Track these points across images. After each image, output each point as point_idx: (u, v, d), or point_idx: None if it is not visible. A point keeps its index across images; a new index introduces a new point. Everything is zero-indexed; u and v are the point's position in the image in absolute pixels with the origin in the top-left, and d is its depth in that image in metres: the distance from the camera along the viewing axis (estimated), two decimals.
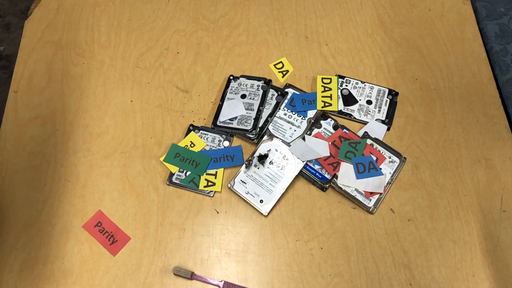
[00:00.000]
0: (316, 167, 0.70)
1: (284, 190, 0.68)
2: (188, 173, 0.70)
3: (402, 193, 0.70)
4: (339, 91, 0.77)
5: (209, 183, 0.70)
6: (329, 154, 0.71)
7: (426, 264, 0.65)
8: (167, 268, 0.64)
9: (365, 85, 0.78)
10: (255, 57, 0.81)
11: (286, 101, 0.76)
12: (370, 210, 0.68)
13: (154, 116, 0.75)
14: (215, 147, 0.72)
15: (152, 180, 0.70)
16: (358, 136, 0.73)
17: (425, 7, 0.86)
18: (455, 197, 0.70)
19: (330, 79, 0.78)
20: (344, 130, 0.73)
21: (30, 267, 0.64)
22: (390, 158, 0.71)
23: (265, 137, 0.72)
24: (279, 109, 0.75)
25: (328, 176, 0.70)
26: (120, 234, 0.66)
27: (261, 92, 0.76)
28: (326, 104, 0.75)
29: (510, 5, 0.87)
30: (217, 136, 0.73)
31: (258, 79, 0.77)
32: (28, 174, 0.70)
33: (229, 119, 0.74)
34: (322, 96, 0.76)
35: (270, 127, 0.74)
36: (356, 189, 0.69)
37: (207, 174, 0.70)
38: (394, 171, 0.70)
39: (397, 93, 0.77)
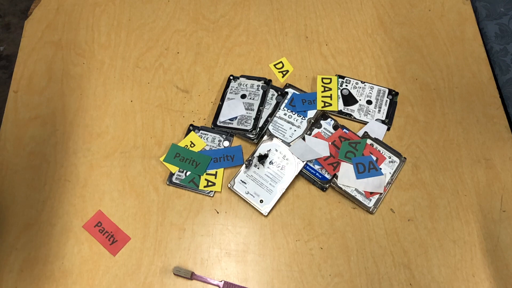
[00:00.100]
0: (316, 167, 0.70)
1: (284, 190, 0.68)
2: (188, 173, 0.70)
3: (402, 193, 0.70)
4: (339, 91, 0.77)
5: (209, 183, 0.70)
6: (329, 154, 0.71)
7: (426, 264, 0.65)
8: (167, 268, 0.64)
9: (365, 85, 0.78)
10: (255, 57, 0.81)
11: (286, 101, 0.76)
12: (370, 210, 0.68)
13: (154, 116, 0.75)
14: (215, 147, 0.72)
15: (152, 180, 0.70)
16: (358, 136, 0.73)
17: (425, 7, 0.86)
18: (455, 197, 0.70)
19: (330, 79, 0.78)
20: (344, 130, 0.73)
21: (30, 267, 0.64)
22: (390, 158, 0.71)
23: (265, 137, 0.72)
24: (279, 109, 0.75)
25: (328, 176, 0.70)
26: (120, 234, 0.66)
27: (261, 92, 0.76)
28: (326, 104, 0.75)
29: (510, 5, 0.87)
30: (217, 136, 0.73)
31: (258, 79, 0.77)
32: (28, 174, 0.70)
33: (229, 119, 0.74)
34: (322, 96, 0.76)
35: (270, 127, 0.74)
36: (356, 189, 0.69)
37: (207, 174, 0.70)
38: (394, 171, 0.70)
39: (397, 93, 0.77)
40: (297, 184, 0.70)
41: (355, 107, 0.76)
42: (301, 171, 0.70)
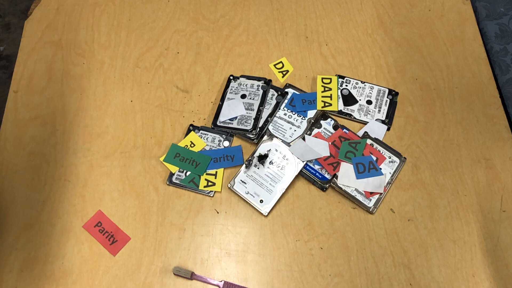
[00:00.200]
0: (316, 167, 0.70)
1: (284, 190, 0.68)
2: (188, 173, 0.70)
3: (402, 193, 0.70)
4: (339, 91, 0.77)
5: (209, 183, 0.70)
6: (329, 154, 0.71)
7: (426, 264, 0.65)
8: (167, 268, 0.64)
9: (365, 85, 0.78)
10: (255, 57, 0.81)
11: (286, 101, 0.76)
12: (370, 210, 0.68)
13: (154, 116, 0.75)
14: (215, 147, 0.72)
15: (152, 180, 0.70)
16: (358, 136, 0.73)
17: (425, 7, 0.86)
18: (455, 197, 0.70)
19: (330, 79, 0.78)
20: (344, 130, 0.73)
21: (30, 267, 0.64)
22: (390, 158, 0.71)
23: (265, 137, 0.72)
24: (279, 109, 0.75)
25: (328, 176, 0.70)
26: (120, 234, 0.66)
27: (261, 92, 0.76)
28: (326, 104, 0.75)
29: (510, 5, 0.87)
30: (217, 136, 0.73)
31: (258, 79, 0.77)
32: (28, 174, 0.70)
33: (229, 119, 0.74)
34: (322, 96, 0.76)
35: (270, 127, 0.74)
36: (356, 189, 0.69)
37: (207, 174, 0.70)
38: (394, 171, 0.70)
39: (397, 93, 0.77)
40: (297, 184, 0.70)
41: (355, 107, 0.76)
42: (301, 171, 0.70)
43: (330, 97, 0.76)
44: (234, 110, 0.74)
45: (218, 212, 0.68)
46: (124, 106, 0.76)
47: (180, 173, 0.70)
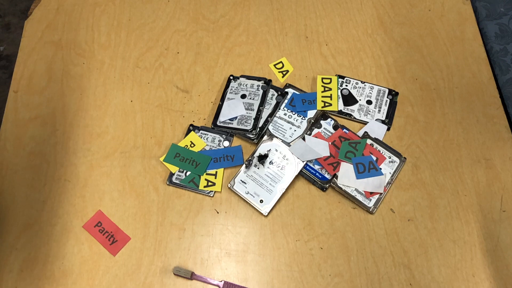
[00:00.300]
0: (316, 167, 0.70)
1: (284, 190, 0.68)
2: (188, 173, 0.70)
3: (402, 193, 0.70)
4: (339, 91, 0.77)
5: (209, 183, 0.70)
6: (329, 154, 0.71)
7: (426, 264, 0.65)
8: (167, 268, 0.64)
9: (365, 85, 0.78)
10: (255, 57, 0.81)
11: (286, 101, 0.76)
12: (370, 210, 0.68)
13: (154, 116, 0.75)
14: (215, 147, 0.72)
15: (152, 180, 0.70)
16: (358, 136, 0.73)
17: (425, 7, 0.86)
18: (455, 197, 0.70)
19: (330, 79, 0.78)
20: (344, 130, 0.73)
21: (30, 267, 0.64)
22: (390, 158, 0.71)
23: (265, 137, 0.72)
24: (279, 109, 0.75)
25: (328, 176, 0.70)
26: (120, 234, 0.66)
27: (261, 92, 0.76)
28: (326, 104, 0.75)
29: (510, 5, 0.87)
30: (217, 136, 0.73)
31: (258, 79, 0.77)
32: (28, 174, 0.70)
33: (229, 119, 0.74)
34: (322, 96, 0.76)
35: (270, 127, 0.74)
36: (356, 189, 0.69)
37: (207, 174, 0.70)
38: (394, 171, 0.70)
39: (397, 93, 0.77)
40: (297, 184, 0.70)
41: (355, 107, 0.76)
42: (301, 171, 0.70)
43: (330, 97, 0.76)
44: (234, 110, 0.74)
45: (218, 212, 0.68)
46: (124, 106, 0.76)
47: (180, 173, 0.70)
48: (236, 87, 0.77)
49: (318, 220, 0.68)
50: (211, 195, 0.69)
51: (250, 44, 0.82)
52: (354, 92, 0.77)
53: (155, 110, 0.76)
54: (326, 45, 0.82)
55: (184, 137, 0.73)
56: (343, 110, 0.75)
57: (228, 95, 0.76)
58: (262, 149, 0.71)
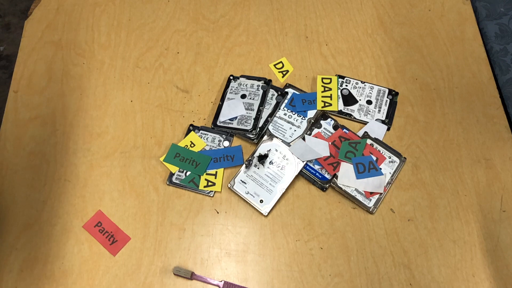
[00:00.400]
0: (316, 167, 0.70)
1: (284, 190, 0.68)
2: (188, 173, 0.70)
3: (402, 193, 0.70)
4: (339, 91, 0.77)
5: (209, 183, 0.70)
6: (329, 154, 0.71)
7: (426, 264, 0.65)
8: (167, 268, 0.64)
9: (365, 85, 0.78)
10: (255, 57, 0.81)
11: (286, 101, 0.76)
12: (370, 210, 0.68)
13: (154, 116, 0.75)
14: (215, 147, 0.72)
15: (152, 180, 0.70)
16: (358, 136, 0.73)
17: (425, 7, 0.86)
18: (455, 197, 0.70)
19: (330, 79, 0.78)
20: (344, 130, 0.73)
21: (30, 267, 0.64)
22: (390, 158, 0.71)
23: (265, 137, 0.72)
24: (279, 109, 0.75)
25: (328, 176, 0.70)
26: (120, 234, 0.66)
27: (261, 92, 0.76)
28: (326, 104, 0.75)
29: (510, 5, 0.87)
30: (217, 136, 0.73)
31: (258, 79, 0.77)
32: (28, 174, 0.70)
33: (229, 119, 0.74)
34: (322, 96, 0.76)
35: (270, 127, 0.74)
36: (356, 189, 0.69)
37: (207, 174, 0.70)
38: (394, 171, 0.70)
39: (397, 93, 0.77)
40: (297, 184, 0.70)
41: (355, 107, 0.76)
42: (301, 171, 0.70)
43: (330, 97, 0.76)
44: (234, 110, 0.74)
45: (218, 212, 0.68)
46: (124, 106, 0.76)
47: (180, 173, 0.70)
48: (236, 87, 0.77)
49: (318, 220, 0.68)
50: (211, 195, 0.69)
51: (250, 44, 0.82)
52: (354, 92, 0.77)
53: (155, 110, 0.76)
54: (326, 45, 0.82)
55: (184, 137, 0.73)
56: (343, 110, 0.76)
57: (228, 95, 0.76)
58: (262, 149, 0.71)
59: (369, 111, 0.76)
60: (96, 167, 0.71)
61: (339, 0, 0.87)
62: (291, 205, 0.69)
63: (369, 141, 0.72)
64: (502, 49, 0.83)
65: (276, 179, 0.69)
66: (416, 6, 0.87)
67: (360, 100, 0.76)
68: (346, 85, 0.78)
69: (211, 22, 0.84)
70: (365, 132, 0.73)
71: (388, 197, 0.69)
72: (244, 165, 0.70)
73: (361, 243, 0.66)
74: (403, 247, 0.66)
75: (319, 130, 0.73)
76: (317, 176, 0.70)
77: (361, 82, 0.78)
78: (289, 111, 0.75)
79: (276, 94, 0.76)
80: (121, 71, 0.79)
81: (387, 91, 0.77)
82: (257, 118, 0.73)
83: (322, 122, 0.74)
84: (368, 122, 0.75)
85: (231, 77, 0.78)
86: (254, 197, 0.68)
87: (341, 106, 0.76)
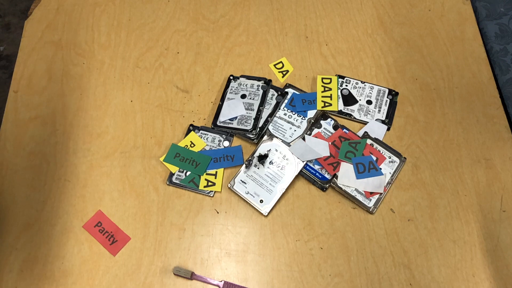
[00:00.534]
0: (316, 167, 0.70)
1: (284, 190, 0.68)
2: (188, 173, 0.70)
3: (402, 193, 0.70)
4: (339, 91, 0.77)
5: (209, 183, 0.70)
6: (329, 154, 0.71)
7: (426, 264, 0.65)
8: (167, 268, 0.64)
9: (365, 85, 0.78)
10: (255, 57, 0.81)
11: (286, 101, 0.76)
12: (370, 210, 0.68)
13: (154, 116, 0.75)
14: (215, 147, 0.72)
15: (152, 180, 0.70)
16: (358, 136, 0.73)
17: (425, 7, 0.86)
18: (455, 197, 0.70)
19: (330, 79, 0.78)
20: (344, 130, 0.73)
21: (30, 267, 0.64)
22: (390, 158, 0.71)
23: (265, 137, 0.72)
24: (279, 109, 0.75)
25: (328, 176, 0.70)
26: (120, 234, 0.66)
27: (261, 92, 0.76)
28: (326, 104, 0.75)
29: (510, 5, 0.87)
30: (217, 136, 0.73)
31: (258, 79, 0.77)
32: (28, 174, 0.70)
33: (229, 119, 0.74)
34: (322, 96, 0.76)
35: (270, 127, 0.74)
36: (356, 189, 0.69)
37: (207, 174, 0.70)
38: (394, 171, 0.70)
39: (397, 93, 0.77)
40: (297, 184, 0.70)
41: (355, 107, 0.76)
42: (301, 171, 0.70)
43: (330, 97, 0.76)
44: (234, 110, 0.74)
45: (218, 212, 0.68)
46: (124, 106, 0.76)
47: (180, 173, 0.70)
48: (236, 87, 0.77)
49: (318, 220, 0.68)
50: (211, 195, 0.69)
51: (250, 44, 0.82)
52: (354, 92, 0.77)
53: (155, 110, 0.76)
54: (326, 45, 0.82)
55: (184, 137, 0.73)
56: (343, 110, 0.76)
57: (228, 95, 0.76)
58: (262, 149, 0.71)
59: (369, 111, 0.76)
60: (96, 167, 0.71)
61: (339, 0, 0.87)
62: (291, 205, 0.69)
63: (369, 141, 0.72)
64: (502, 49, 0.83)
65: (276, 179, 0.69)
66: (416, 6, 0.87)
67: (360, 100, 0.76)
68: (346, 85, 0.78)
69: (211, 22, 0.84)
70: (365, 132, 0.73)
71: (388, 197, 0.69)
72: (244, 165, 0.70)
73: (361, 243, 0.66)
74: (403, 247, 0.66)
75: (319, 130, 0.73)
76: (317, 176, 0.70)
77: (361, 82, 0.78)
78: (289, 111, 0.75)
79: (276, 94, 0.76)
80: (121, 71, 0.79)
81: (387, 91, 0.77)
82: (257, 118, 0.73)
83: (322, 122, 0.74)
84: (368, 122, 0.75)
85: (231, 77, 0.78)
86: (254, 197, 0.68)
87: (341, 106, 0.76)
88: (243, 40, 0.83)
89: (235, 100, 0.75)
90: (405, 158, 0.72)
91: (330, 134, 0.73)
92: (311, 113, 0.75)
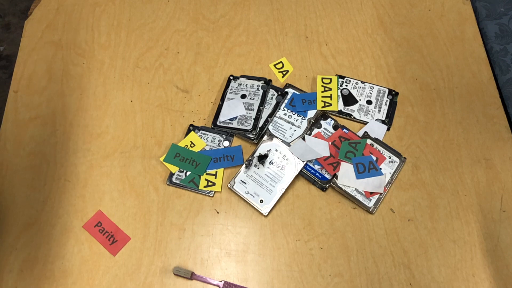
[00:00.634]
0: (316, 167, 0.70)
1: (284, 190, 0.68)
2: (188, 173, 0.70)
3: (402, 193, 0.70)
4: (339, 91, 0.77)
5: (209, 183, 0.70)
6: (329, 154, 0.71)
7: (426, 264, 0.65)
8: (167, 268, 0.64)
9: (365, 85, 0.78)
10: (255, 57, 0.81)
11: (286, 101, 0.76)
12: (370, 210, 0.68)
13: (154, 116, 0.75)
14: (215, 147, 0.72)
15: (152, 180, 0.70)
16: (358, 136, 0.73)
17: (425, 7, 0.86)
18: (455, 197, 0.70)
19: (330, 79, 0.78)
20: (344, 130, 0.73)
21: (30, 267, 0.64)
22: (390, 158, 0.71)
23: (265, 137, 0.72)
24: (279, 109, 0.75)
25: (328, 176, 0.70)
26: (120, 234, 0.66)
27: (261, 92, 0.76)
28: (326, 104, 0.75)
29: (510, 5, 0.87)
30: (217, 136, 0.73)
31: (258, 79, 0.77)
32: (28, 174, 0.70)
33: (229, 119, 0.74)
34: (322, 96, 0.76)
35: (270, 127, 0.74)
36: (356, 189, 0.69)
37: (207, 174, 0.70)
38: (394, 171, 0.70)
39: (397, 93, 0.77)
40: (297, 184, 0.70)
41: (355, 107, 0.76)
42: (301, 171, 0.70)
43: (330, 97, 0.76)
44: (234, 110, 0.74)
45: (218, 212, 0.68)
46: (124, 106, 0.76)
47: (180, 173, 0.70)
48: (236, 87, 0.77)
49: (318, 220, 0.68)
50: (211, 195, 0.69)
51: (250, 44, 0.82)
52: (354, 92, 0.77)
53: (155, 110, 0.76)
54: (326, 45, 0.82)
55: (184, 137, 0.73)
56: (343, 110, 0.76)
57: (228, 95, 0.76)
58: (262, 149, 0.71)
59: (369, 111, 0.76)
60: (96, 167, 0.71)
61: (339, 0, 0.87)
62: (291, 205, 0.69)
63: (369, 141, 0.72)
64: (502, 49, 0.83)
65: (276, 179, 0.69)
66: (416, 6, 0.87)
67: (360, 100, 0.76)
68: (346, 85, 0.78)
69: (211, 22, 0.84)
70: (365, 132, 0.73)
71: (388, 197, 0.69)
72: (244, 165, 0.70)
73: (361, 243, 0.66)
74: (403, 247, 0.66)
75: (319, 130, 0.73)
76: (317, 176, 0.70)
77: (361, 82, 0.78)
78: (289, 111, 0.75)
79: (276, 94, 0.76)
80: (121, 71, 0.79)
81: (387, 91, 0.77)
82: (257, 118, 0.73)
83: (322, 122, 0.74)
84: (368, 122, 0.75)
85: (231, 77, 0.78)
86: (254, 197, 0.68)
87: (341, 106, 0.76)
88: (243, 40, 0.83)
89: (235, 100, 0.75)
90: (405, 158, 0.72)
91: (330, 134, 0.73)
92: (311, 113, 0.75)
